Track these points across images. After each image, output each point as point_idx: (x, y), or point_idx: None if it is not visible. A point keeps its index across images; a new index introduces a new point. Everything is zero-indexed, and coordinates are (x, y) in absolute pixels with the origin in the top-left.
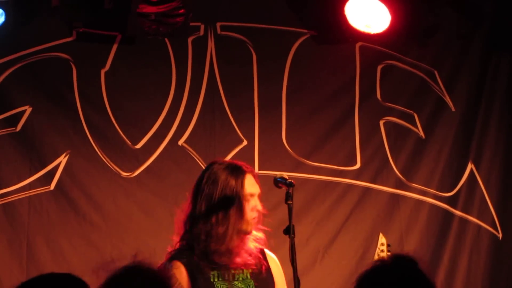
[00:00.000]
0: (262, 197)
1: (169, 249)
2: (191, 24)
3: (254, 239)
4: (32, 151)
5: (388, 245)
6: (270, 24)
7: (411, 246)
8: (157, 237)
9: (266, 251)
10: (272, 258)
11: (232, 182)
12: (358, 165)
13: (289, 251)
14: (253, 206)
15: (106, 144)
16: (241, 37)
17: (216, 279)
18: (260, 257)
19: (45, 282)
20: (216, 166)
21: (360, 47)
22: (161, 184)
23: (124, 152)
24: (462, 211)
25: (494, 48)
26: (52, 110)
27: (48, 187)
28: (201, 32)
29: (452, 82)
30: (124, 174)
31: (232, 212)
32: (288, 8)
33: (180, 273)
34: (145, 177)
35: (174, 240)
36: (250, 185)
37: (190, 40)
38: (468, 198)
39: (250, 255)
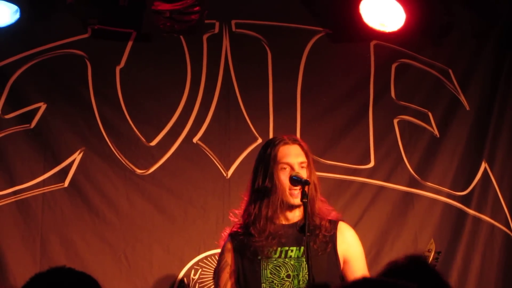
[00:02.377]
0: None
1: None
2: (206, 21)
3: (319, 212)
4: (46, 148)
5: (438, 253)
6: (285, 22)
7: (425, 245)
8: (171, 234)
9: (341, 225)
10: (345, 234)
11: (265, 155)
12: (372, 164)
13: (305, 249)
14: (290, 175)
15: (120, 141)
16: (256, 34)
17: (264, 257)
18: (325, 234)
19: (59, 276)
20: (263, 145)
21: (375, 45)
22: (175, 181)
23: (139, 149)
24: (475, 210)
25: (509, 47)
26: (66, 107)
27: (62, 184)
28: (216, 30)
29: (467, 81)
30: (138, 171)
31: (269, 184)
32: (303, 5)
33: (228, 251)
34: (160, 175)
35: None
36: (285, 155)
37: (205, 37)
38: (481, 197)
39: (312, 231)
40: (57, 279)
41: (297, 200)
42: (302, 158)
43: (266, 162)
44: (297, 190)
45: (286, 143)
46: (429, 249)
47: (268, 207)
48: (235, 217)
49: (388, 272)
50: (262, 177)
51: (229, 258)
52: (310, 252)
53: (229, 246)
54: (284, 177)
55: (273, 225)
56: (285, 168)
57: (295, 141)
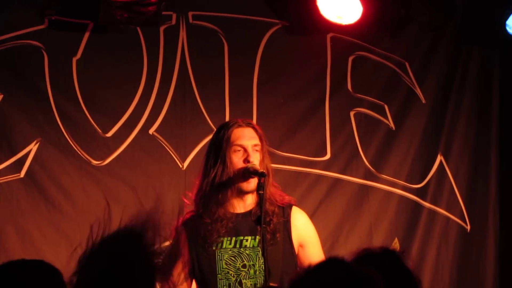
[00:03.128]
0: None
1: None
2: (163, 13)
3: (271, 198)
4: (2, 138)
5: (401, 252)
6: (242, 14)
7: (380, 238)
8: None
9: (294, 211)
10: (298, 219)
11: (217, 137)
12: (328, 156)
13: (260, 241)
14: (244, 157)
15: (76, 132)
16: (213, 26)
17: (219, 247)
18: (276, 223)
19: (16, 269)
20: (217, 129)
21: (332, 37)
22: (131, 172)
23: (95, 140)
24: (431, 203)
25: (465, 40)
26: (23, 97)
27: (18, 174)
28: (173, 21)
29: (423, 74)
30: (94, 162)
31: (220, 166)
32: None
33: (181, 240)
34: (116, 166)
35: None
36: (238, 137)
37: (162, 29)
38: (437, 190)
39: (266, 218)
40: (16, 272)
41: (250, 187)
42: (256, 141)
43: (218, 144)
44: (252, 178)
45: (240, 126)
46: (393, 249)
47: (219, 190)
48: (189, 200)
49: (361, 258)
50: (214, 159)
51: (183, 247)
52: (265, 239)
53: (183, 234)
54: (237, 159)
55: (222, 209)
56: (238, 150)
57: (248, 124)
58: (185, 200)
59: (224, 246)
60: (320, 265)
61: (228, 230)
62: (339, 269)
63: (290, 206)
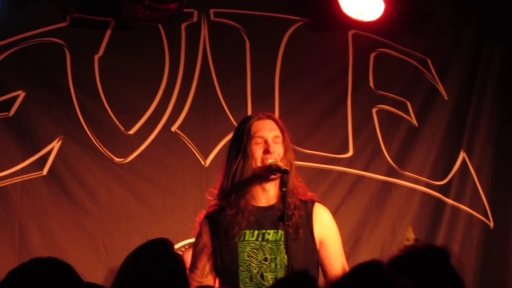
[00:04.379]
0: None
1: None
2: (185, 10)
3: (294, 192)
4: (25, 136)
5: (416, 240)
6: (264, 11)
7: (403, 235)
8: (149, 223)
9: (317, 207)
10: (321, 215)
11: (238, 131)
12: (350, 153)
13: (284, 238)
14: (264, 148)
15: (99, 129)
16: (235, 24)
17: (241, 239)
18: (298, 217)
19: (31, 269)
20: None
21: (353, 34)
22: (154, 170)
23: (117, 137)
24: (454, 199)
25: (487, 36)
26: (45, 95)
27: (41, 172)
28: (195, 19)
29: (445, 70)
30: (117, 159)
31: (242, 158)
32: None
33: (205, 232)
34: (138, 163)
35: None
36: (258, 129)
37: (183, 26)
38: (460, 187)
39: (286, 213)
40: (37, 269)
41: (272, 181)
42: (277, 132)
43: (239, 137)
44: (270, 157)
45: (260, 118)
46: (407, 238)
47: (240, 183)
48: (212, 196)
49: (405, 257)
50: (235, 152)
51: (206, 240)
52: (288, 236)
53: (206, 227)
54: (258, 150)
55: (244, 201)
56: (259, 143)
57: (269, 117)
58: (208, 197)
59: (246, 238)
60: (355, 274)
61: (251, 223)
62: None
63: (312, 202)
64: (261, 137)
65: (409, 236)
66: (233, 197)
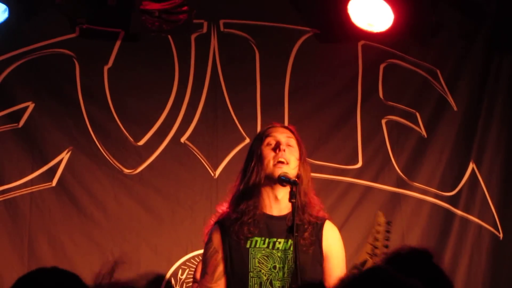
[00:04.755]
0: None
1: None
2: (194, 21)
3: (309, 209)
4: (34, 147)
5: (388, 223)
6: (273, 22)
7: (412, 245)
8: (159, 234)
9: (327, 224)
10: (330, 233)
11: (253, 142)
12: (359, 164)
13: (293, 250)
14: (273, 147)
15: (108, 141)
16: (244, 34)
17: (252, 245)
18: (311, 230)
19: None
20: None
21: (363, 45)
22: (163, 181)
23: (127, 149)
24: (463, 210)
25: (496, 48)
26: (54, 106)
27: (50, 183)
28: (204, 30)
29: (454, 81)
30: (126, 171)
31: (254, 162)
32: (291, 5)
33: (216, 238)
34: (147, 174)
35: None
36: (271, 132)
37: (193, 37)
38: (469, 198)
39: (298, 225)
40: (44, 280)
41: (280, 171)
42: (291, 137)
43: (253, 146)
44: (282, 164)
45: (275, 126)
46: (378, 223)
47: (253, 185)
48: (222, 209)
49: (390, 261)
50: (248, 158)
51: (217, 245)
52: (297, 248)
53: (216, 233)
54: (268, 151)
55: (255, 207)
56: (270, 144)
57: (286, 127)
58: (218, 210)
59: (258, 245)
60: (364, 275)
61: (262, 230)
62: (381, 281)
63: (324, 219)
64: (273, 137)
65: (380, 221)
66: (245, 203)
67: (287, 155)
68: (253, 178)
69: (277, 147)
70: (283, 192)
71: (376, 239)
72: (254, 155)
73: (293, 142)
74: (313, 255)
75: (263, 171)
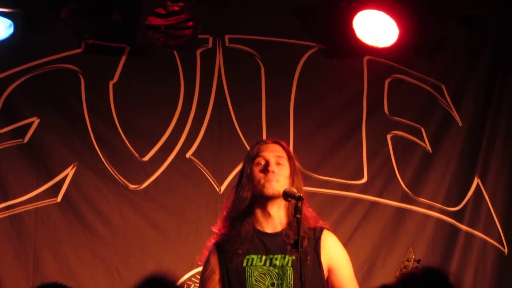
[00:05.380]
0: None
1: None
2: (200, 36)
3: (304, 221)
4: (39, 163)
5: (417, 261)
6: (279, 37)
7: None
8: (164, 250)
9: (325, 234)
10: (328, 242)
11: (245, 159)
12: (365, 179)
13: (298, 265)
14: (264, 167)
15: (113, 156)
16: (250, 49)
17: (249, 264)
18: (309, 245)
19: None
20: None
21: (368, 60)
22: (168, 197)
23: (132, 164)
24: (468, 225)
25: (501, 63)
26: (60, 121)
27: (55, 199)
28: (210, 45)
29: (459, 96)
30: (131, 186)
31: (246, 183)
32: (296, 21)
33: (213, 259)
34: (153, 190)
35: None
36: (261, 151)
37: (198, 52)
38: (474, 213)
39: (294, 239)
40: None
41: (269, 190)
42: (280, 153)
43: (245, 164)
44: (272, 176)
45: (265, 143)
46: (408, 258)
47: (245, 205)
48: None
49: (407, 281)
50: (240, 177)
51: (214, 265)
52: (294, 261)
53: (214, 254)
54: (257, 172)
55: (249, 226)
56: (260, 163)
57: (275, 141)
58: (214, 230)
59: (254, 263)
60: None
61: (259, 248)
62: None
63: (321, 229)
64: (262, 157)
65: (410, 257)
66: (239, 222)
67: (276, 176)
68: (244, 198)
69: (266, 168)
70: (275, 209)
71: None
72: (244, 174)
73: (283, 160)
74: (312, 268)
75: (254, 191)
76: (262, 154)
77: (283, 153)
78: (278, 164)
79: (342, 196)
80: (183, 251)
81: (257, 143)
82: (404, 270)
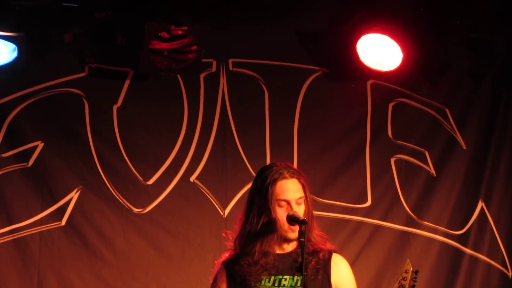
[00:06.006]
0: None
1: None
2: (204, 60)
3: (314, 242)
4: (43, 187)
5: (414, 272)
6: (282, 61)
7: (421, 284)
8: (168, 273)
9: (335, 256)
10: (338, 265)
11: (262, 187)
12: (369, 203)
13: (299, 282)
14: (287, 212)
15: (118, 180)
16: (253, 73)
17: (258, 285)
18: (318, 263)
19: None
20: (259, 172)
21: (372, 84)
22: (172, 220)
23: (136, 188)
24: (472, 249)
25: (505, 86)
26: (64, 145)
27: (59, 222)
28: (213, 69)
29: (463, 120)
30: (135, 210)
31: (265, 219)
32: (299, 45)
33: (221, 278)
34: (157, 214)
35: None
36: (282, 191)
37: (202, 76)
38: (478, 237)
39: (305, 259)
40: None
41: (294, 235)
42: (300, 193)
43: (263, 195)
44: (296, 227)
45: (284, 178)
46: (406, 270)
47: (263, 242)
48: (229, 240)
49: None
50: (258, 210)
51: (222, 286)
52: (306, 286)
53: (222, 274)
54: (281, 213)
55: (265, 258)
56: (282, 206)
57: (293, 175)
58: (226, 242)
59: (263, 284)
60: None
61: (268, 268)
62: None
63: (330, 252)
64: (285, 200)
65: (408, 268)
66: (253, 250)
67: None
68: (263, 230)
69: (288, 210)
70: (292, 238)
71: (401, 286)
72: (264, 211)
73: (301, 195)
74: (322, 284)
75: (276, 233)
76: (284, 197)
77: (301, 191)
78: (298, 204)
79: (346, 220)
80: (187, 275)
81: (276, 179)
82: (402, 282)
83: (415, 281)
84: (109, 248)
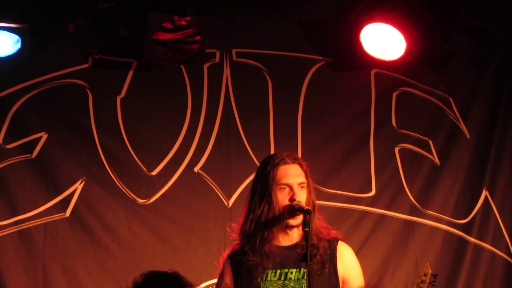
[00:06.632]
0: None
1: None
2: (207, 50)
3: (317, 232)
4: (48, 178)
5: (433, 276)
6: (286, 51)
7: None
8: (173, 264)
9: (340, 244)
10: (344, 254)
11: (263, 173)
12: (373, 192)
13: (307, 278)
14: (289, 196)
15: (122, 170)
16: (257, 63)
17: (264, 279)
18: (323, 254)
19: None
20: (261, 162)
21: (376, 74)
22: (177, 211)
23: (140, 178)
24: (476, 238)
25: (509, 75)
26: (68, 136)
27: (64, 213)
28: (217, 59)
29: (467, 109)
30: (140, 201)
31: (266, 204)
32: (303, 35)
33: (227, 273)
34: (161, 204)
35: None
36: (284, 175)
37: (205, 66)
38: (482, 225)
39: (310, 251)
40: None
41: (296, 222)
42: (302, 178)
43: (264, 181)
44: (298, 215)
45: (285, 163)
46: (425, 273)
47: (265, 228)
48: (234, 232)
49: None
50: (260, 196)
51: (228, 280)
52: (311, 276)
53: (228, 268)
54: (282, 197)
55: (268, 245)
56: (284, 189)
57: (294, 160)
58: (230, 234)
59: (269, 278)
60: None
61: (273, 261)
62: None
63: (336, 240)
64: (286, 184)
65: (427, 271)
66: (257, 241)
67: (300, 200)
68: (266, 220)
69: (291, 196)
70: (293, 225)
71: None
72: (266, 197)
73: (303, 180)
74: (328, 279)
75: (276, 217)
76: (285, 181)
77: (303, 176)
78: (300, 187)
79: (350, 209)
80: (191, 265)
81: (278, 163)
82: (421, 285)
83: (433, 284)
84: (114, 239)
